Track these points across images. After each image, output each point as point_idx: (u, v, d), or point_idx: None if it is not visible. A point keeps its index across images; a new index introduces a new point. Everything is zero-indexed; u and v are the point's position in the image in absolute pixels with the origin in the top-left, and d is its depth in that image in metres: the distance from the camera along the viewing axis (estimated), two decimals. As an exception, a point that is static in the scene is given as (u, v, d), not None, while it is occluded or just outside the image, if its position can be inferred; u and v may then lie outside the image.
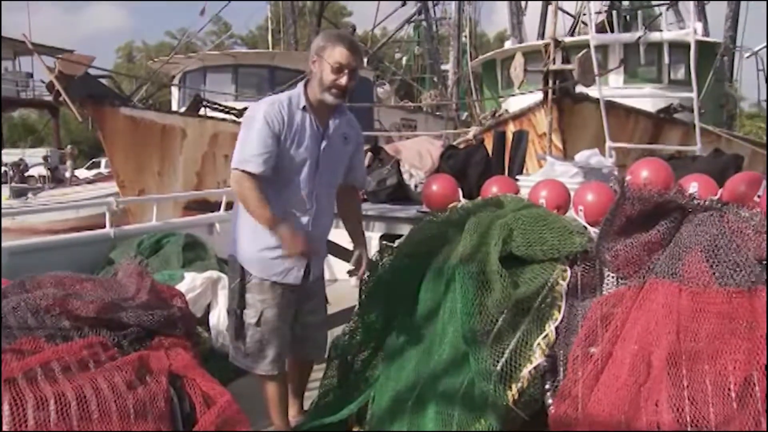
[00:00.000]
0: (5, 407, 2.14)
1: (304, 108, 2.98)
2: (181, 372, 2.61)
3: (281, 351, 3.08)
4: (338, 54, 2.91)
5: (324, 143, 3.02)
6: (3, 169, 23.12)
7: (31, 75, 31.57)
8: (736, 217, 2.67)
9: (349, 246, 3.34)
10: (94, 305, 2.81)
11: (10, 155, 25.54)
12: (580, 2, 16.73)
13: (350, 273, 3.27)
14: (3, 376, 2.24)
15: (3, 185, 21.30)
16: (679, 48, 13.12)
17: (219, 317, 3.94)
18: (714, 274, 2.48)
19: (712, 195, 3.79)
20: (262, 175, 2.88)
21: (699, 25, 14.52)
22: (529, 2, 19.38)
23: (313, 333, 3.27)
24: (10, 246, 4.01)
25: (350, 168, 3.24)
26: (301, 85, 3.03)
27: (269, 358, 3.05)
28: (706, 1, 17.76)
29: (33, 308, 2.71)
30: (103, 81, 12.78)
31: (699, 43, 10.26)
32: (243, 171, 2.87)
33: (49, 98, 12.74)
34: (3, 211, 13.53)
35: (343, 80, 2.95)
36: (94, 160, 28.44)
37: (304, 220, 3.03)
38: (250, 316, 3.01)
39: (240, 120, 12.97)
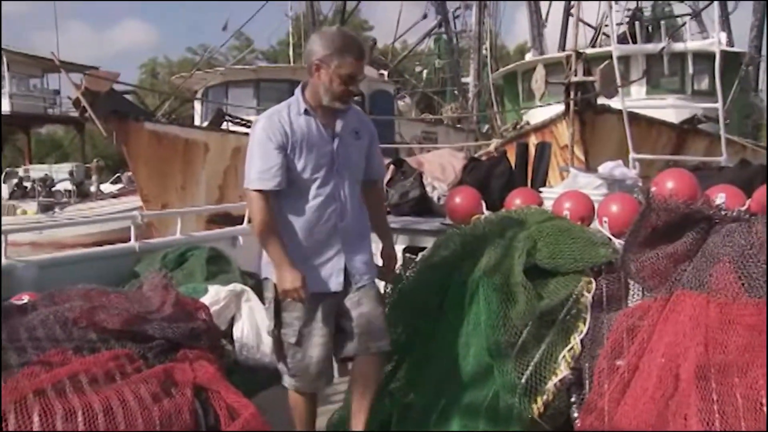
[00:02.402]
0: (36, 418, 2.17)
1: (306, 112, 2.90)
2: (205, 384, 2.62)
3: (325, 367, 2.99)
4: (349, 66, 2.82)
5: (336, 142, 2.94)
6: (30, 184, 23.48)
7: (58, 92, 32.13)
8: (765, 228, 2.64)
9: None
10: (120, 318, 2.83)
11: (36, 171, 25.90)
12: (601, 13, 16.68)
13: (380, 272, 3.17)
14: (32, 387, 2.28)
15: (30, 200, 21.65)
16: (703, 58, 13.00)
17: (243, 330, 3.94)
18: (743, 285, 2.45)
19: (740, 206, 3.75)
20: (273, 190, 2.83)
21: (723, 35, 14.41)
22: (550, 14, 19.39)
23: (366, 323, 2.97)
24: (39, 260, 4.07)
25: (370, 162, 3.14)
26: (298, 91, 2.94)
27: (314, 376, 2.96)
28: (730, 11, 17.61)
29: (61, 321, 2.75)
30: (128, 96, 12.96)
31: (723, 53, 10.17)
32: (253, 190, 2.84)
33: (76, 114, 12.94)
34: (31, 225, 13.67)
35: (354, 87, 2.90)
36: (118, 174, 28.80)
37: (332, 220, 2.93)
38: (288, 336, 2.93)
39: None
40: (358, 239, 3.04)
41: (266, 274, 3.00)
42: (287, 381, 3.03)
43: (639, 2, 18.21)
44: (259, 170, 2.82)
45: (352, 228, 3.01)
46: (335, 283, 2.95)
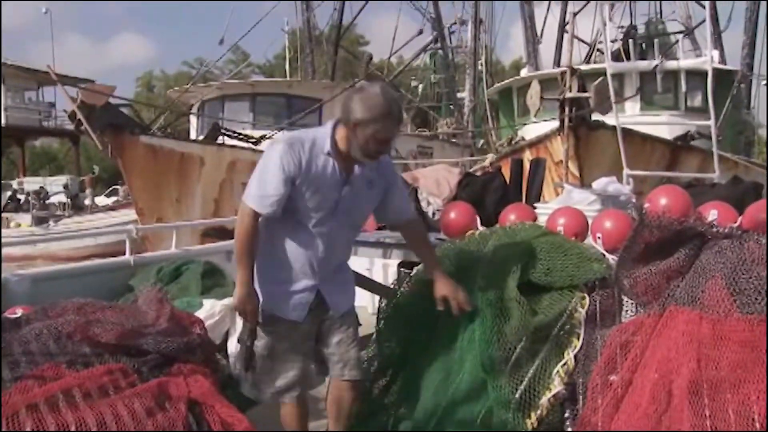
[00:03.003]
0: (28, 433, 2.17)
1: (328, 153, 2.84)
2: (200, 399, 2.62)
3: (294, 382, 2.98)
4: (388, 131, 2.79)
5: (345, 189, 2.90)
6: (24, 197, 23.43)
7: (53, 105, 32.14)
8: (757, 245, 2.66)
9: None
10: (114, 332, 2.83)
11: (31, 183, 25.85)
12: (596, 30, 16.81)
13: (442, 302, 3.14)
14: (25, 401, 2.27)
15: (24, 213, 21.58)
16: (695, 75, 13.11)
17: (237, 344, 3.94)
18: (735, 301, 2.47)
19: (732, 222, 3.77)
20: (267, 215, 2.84)
21: (715, 53, 14.52)
22: (545, 30, 19.52)
23: (344, 352, 3.05)
24: (33, 273, 4.07)
25: (389, 206, 3.10)
26: (329, 128, 2.87)
27: (277, 389, 2.97)
28: (722, 30, 17.79)
29: (55, 334, 2.75)
30: (124, 110, 12.99)
31: (716, 70, 10.26)
32: (249, 206, 2.84)
33: (71, 127, 12.97)
34: (25, 238, 13.64)
35: (386, 148, 2.89)
36: (113, 187, 28.78)
37: (316, 256, 2.93)
38: (261, 348, 2.96)
39: (257, 148, 13.20)
40: (336, 272, 3.07)
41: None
42: (248, 391, 3.04)
43: (633, 20, 18.41)
44: (261, 193, 2.82)
45: (333, 264, 3.04)
46: (297, 315, 2.96)
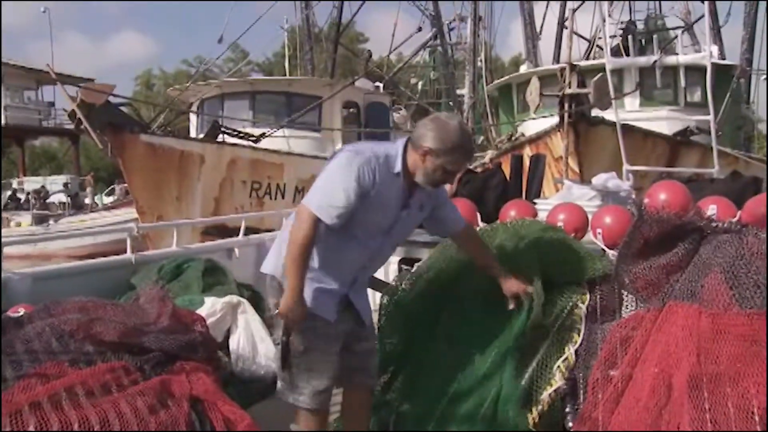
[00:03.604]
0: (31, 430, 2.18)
1: (398, 174, 2.82)
2: (202, 396, 2.63)
3: (328, 384, 2.94)
4: (457, 165, 2.82)
5: (404, 212, 2.92)
6: (24, 196, 23.46)
7: (52, 104, 32.14)
8: (756, 239, 2.66)
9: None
10: (116, 330, 2.83)
11: (31, 183, 25.87)
12: (595, 26, 16.81)
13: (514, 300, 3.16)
14: (28, 399, 2.28)
15: (24, 212, 21.59)
16: (695, 71, 13.10)
17: (239, 342, 3.95)
18: (734, 296, 2.48)
19: (731, 217, 3.78)
20: (330, 226, 2.78)
21: (715, 48, 14.53)
22: (544, 26, 19.51)
23: (366, 360, 3.10)
24: (34, 272, 4.07)
25: (445, 221, 3.14)
26: (400, 148, 2.84)
27: (314, 389, 2.90)
28: (721, 25, 17.78)
29: (57, 333, 2.75)
30: (124, 108, 12.99)
31: (715, 65, 10.26)
32: (314, 213, 2.74)
33: (71, 126, 12.97)
34: (26, 237, 13.64)
35: (451, 179, 2.93)
36: (113, 186, 28.81)
37: (360, 266, 2.96)
38: (297, 343, 2.87)
39: (258, 146, 13.20)
40: (365, 284, 3.13)
41: (275, 274, 2.96)
42: (288, 395, 2.95)
43: (632, 15, 18.40)
44: (329, 203, 2.74)
45: (368, 276, 3.10)
46: (331, 315, 2.92)
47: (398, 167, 2.82)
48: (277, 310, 2.85)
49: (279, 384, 3.00)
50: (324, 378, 2.91)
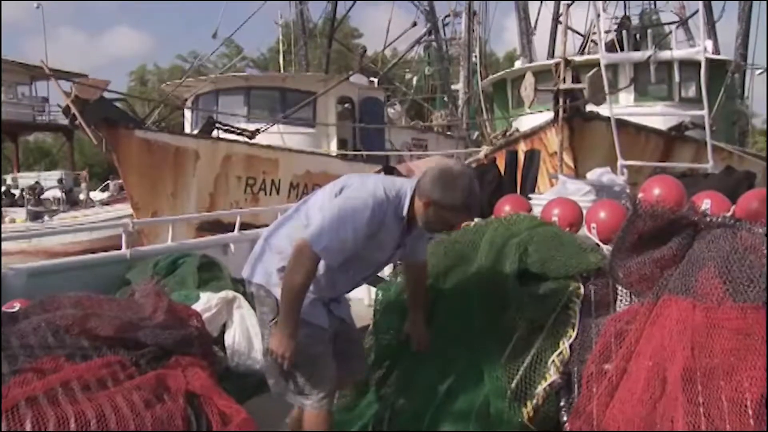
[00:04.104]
0: (28, 425, 2.18)
1: (402, 218, 2.84)
2: (198, 391, 2.63)
3: (333, 385, 2.96)
4: (458, 220, 2.93)
5: (399, 250, 2.99)
6: (18, 192, 23.35)
7: (46, 99, 32.02)
8: (750, 234, 2.68)
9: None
10: (112, 325, 2.84)
11: (26, 178, 25.76)
12: (589, 21, 16.82)
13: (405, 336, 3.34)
14: (24, 394, 2.29)
15: (19, 208, 21.49)
16: (689, 66, 13.11)
17: (234, 336, 3.96)
18: (728, 290, 2.49)
19: (725, 212, 3.80)
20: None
21: (709, 43, 14.53)
22: (539, 21, 19.51)
23: (354, 349, 3.19)
24: (30, 267, 4.07)
25: (413, 249, 3.11)
26: (409, 191, 2.83)
27: (322, 394, 2.89)
28: (716, 20, 17.80)
29: (53, 328, 2.75)
30: (118, 104, 12.96)
31: (709, 60, 10.26)
32: (318, 254, 2.72)
33: (65, 122, 12.93)
34: (21, 233, 13.60)
35: (448, 230, 3.03)
36: (107, 182, 28.72)
37: (352, 286, 3.09)
38: (298, 352, 2.82)
39: (252, 142, 13.18)
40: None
41: (267, 285, 2.94)
42: (294, 399, 2.95)
43: (627, 10, 18.41)
44: (337, 246, 2.72)
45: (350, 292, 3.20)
46: (325, 320, 2.96)
47: (404, 212, 2.83)
48: (272, 317, 2.87)
49: (277, 388, 2.98)
50: (327, 381, 2.92)
